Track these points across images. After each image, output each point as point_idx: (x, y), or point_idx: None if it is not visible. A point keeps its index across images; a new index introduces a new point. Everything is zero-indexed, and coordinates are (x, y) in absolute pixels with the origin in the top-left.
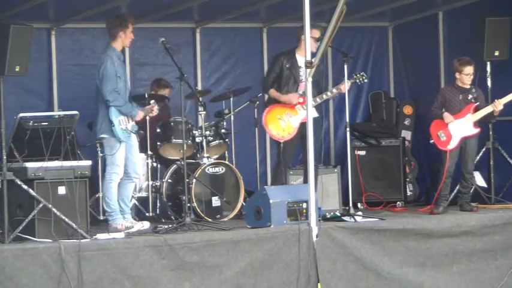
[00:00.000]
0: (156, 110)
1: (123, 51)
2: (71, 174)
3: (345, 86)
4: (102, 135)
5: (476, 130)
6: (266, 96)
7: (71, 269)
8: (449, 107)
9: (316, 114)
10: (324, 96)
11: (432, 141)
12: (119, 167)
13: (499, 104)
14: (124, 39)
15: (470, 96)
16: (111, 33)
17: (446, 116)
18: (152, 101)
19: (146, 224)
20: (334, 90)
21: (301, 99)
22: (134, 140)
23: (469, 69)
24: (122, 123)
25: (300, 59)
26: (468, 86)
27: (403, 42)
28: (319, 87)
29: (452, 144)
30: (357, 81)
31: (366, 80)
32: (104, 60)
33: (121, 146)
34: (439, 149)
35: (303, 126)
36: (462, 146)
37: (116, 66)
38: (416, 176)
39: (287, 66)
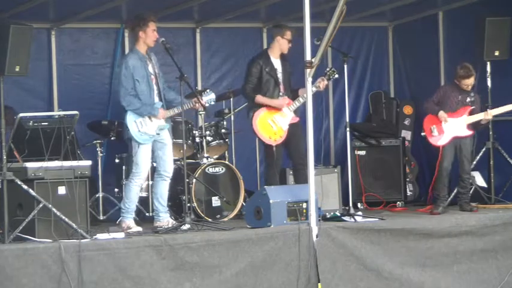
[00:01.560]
0: (200, 104)
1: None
2: (71, 174)
3: (323, 84)
4: (127, 137)
5: (469, 132)
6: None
7: (71, 269)
8: (447, 104)
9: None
10: (301, 100)
11: (423, 134)
12: (141, 168)
13: (490, 114)
14: (145, 39)
15: (468, 99)
16: (133, 34)
17: (441, 114)
18: (208, 90)
19: (135, 228)
20: (314, 89)
21: (286, 101)
22: (166, 138)
23: (468, 81)
24: (139, 126)
25: (275, 61)
26: (469, 89)
27: (403, 42)
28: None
29: (443, 141)
30: (330, 77)
31: (336, 76)
32: (120, 64)
33: (141, 148)
34: (429, 142)
35: (289, 127)
36: (457, 147)
37: (132, 69)
38: (416, 176)
39: (266, 70)
